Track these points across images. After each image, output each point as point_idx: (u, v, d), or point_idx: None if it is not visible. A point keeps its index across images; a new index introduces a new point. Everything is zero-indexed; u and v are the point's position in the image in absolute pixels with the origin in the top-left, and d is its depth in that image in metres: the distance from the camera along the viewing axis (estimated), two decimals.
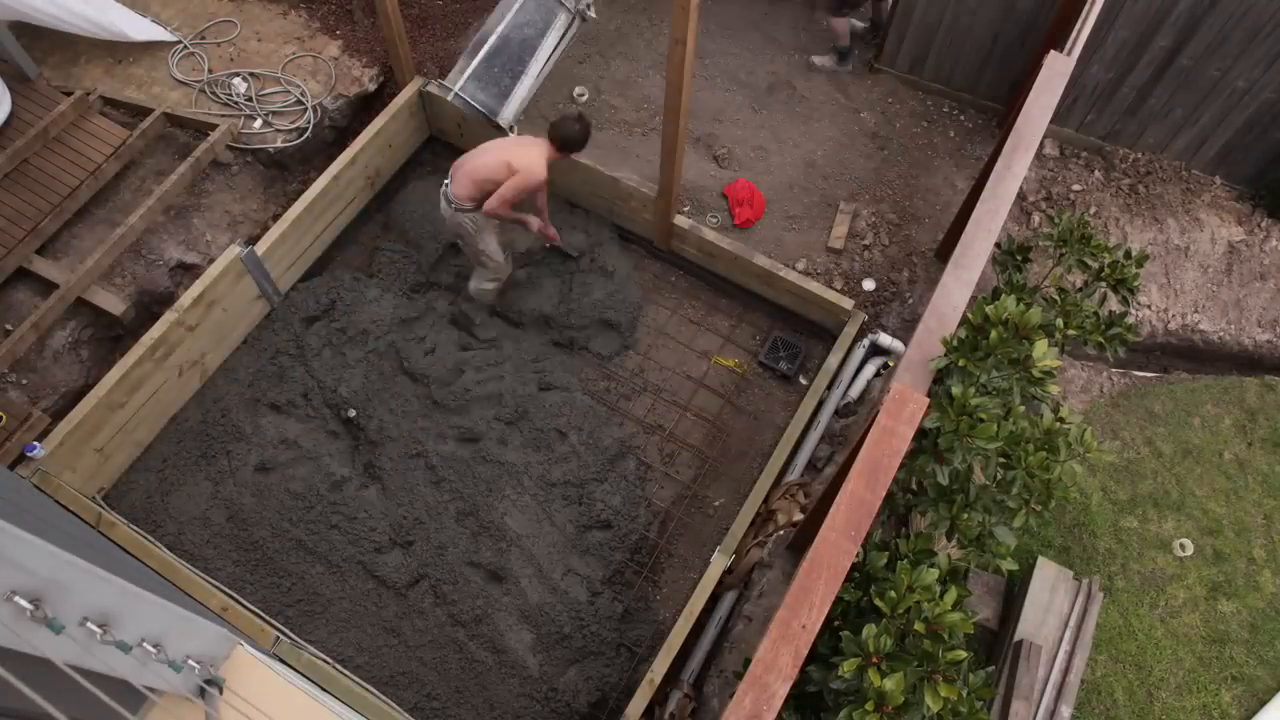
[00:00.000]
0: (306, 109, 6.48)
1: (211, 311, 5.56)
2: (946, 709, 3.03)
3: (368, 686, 4.64)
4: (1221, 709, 4.93)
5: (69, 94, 6.11)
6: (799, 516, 5.15)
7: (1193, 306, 6.23)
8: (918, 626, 3.09)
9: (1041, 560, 5.03)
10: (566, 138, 5.30)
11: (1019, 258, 4.58)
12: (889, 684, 2.90)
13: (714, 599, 5.10)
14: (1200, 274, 6.32)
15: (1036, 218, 6.42)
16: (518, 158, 5.27)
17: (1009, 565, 3.55)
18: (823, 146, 6.75)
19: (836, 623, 3.37)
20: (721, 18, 7.43)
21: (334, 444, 5.62)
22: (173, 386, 5.54)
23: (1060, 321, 4.10)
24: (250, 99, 6.45)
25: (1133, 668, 5.01)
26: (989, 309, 3.45)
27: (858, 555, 3.10)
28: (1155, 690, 4.96)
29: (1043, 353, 3.39)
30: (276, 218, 6.10)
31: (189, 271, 5.93)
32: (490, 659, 5.02)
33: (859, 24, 7.15)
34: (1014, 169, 4.02)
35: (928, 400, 3.24)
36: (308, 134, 6.42)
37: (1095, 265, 4.41)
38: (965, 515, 3.52)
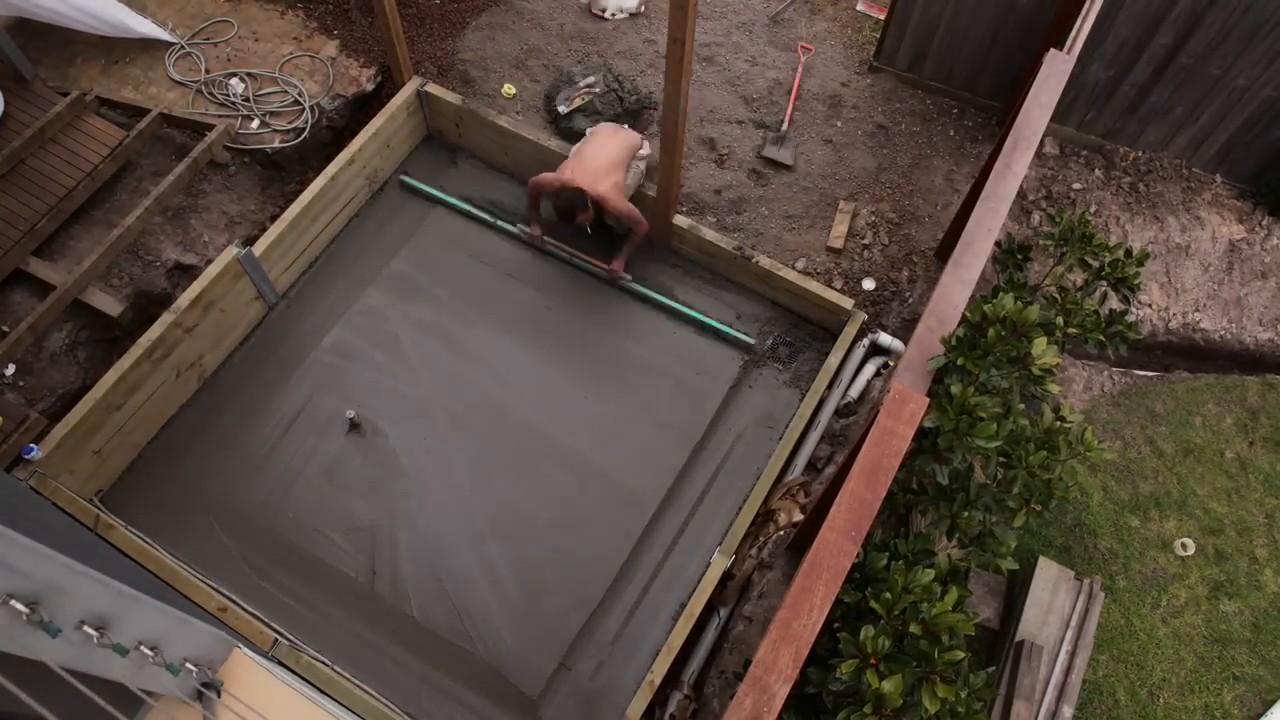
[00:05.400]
0: (304, 109, 6.47)
1: (209, 313, 5.55)
2: (944, 710, 3.02)
3: (367, 688, 4.63)
4: (1224, 709, 4.92)
5: (65, 94, 6.10)
6: (799, 517, 5.14)
7: (1194, 305, 6.22)
8: (914, 628, 3.08)
9: (1043, 560, 5.02)
10: None
11: (1019, 256, 4.58)
12: (887, 685, 2.89)
13: (711, 602, 5.09)
14: (1201, 272, 6.31)
15: (1037, 216, 6.41)
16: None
17: (1009, 564, 3.54)
18: (822, 146, 6.74)
19: (836, 625, 3.36)
20: (724, 19, 7.42)
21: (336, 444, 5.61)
22: (171, 388, 5.53)
23: (1061, 320, 4.09)
24: (248, 99, 6.43)
25: (1134, 668, 5.00)
26: (987, 307, 3.44)
27: (858, 556, 3.09)
28: (1157, 690, 4.95)
29: (1041, 350, 3.38)
30: (274, 218, 6.09)
31: (186, 272, 5.91)
32: None
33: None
34: (1014, 168, 4.01)
35: (928, 400, 3.23)
36: (305, 134, 6.41)
37: (1096, 264, 4.41)
38: (965, 514, 3.51)
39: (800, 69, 7.01)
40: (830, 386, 5.77)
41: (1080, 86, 6.26)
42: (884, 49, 6.95)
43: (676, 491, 5.56)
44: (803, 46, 7.15)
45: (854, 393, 5.79)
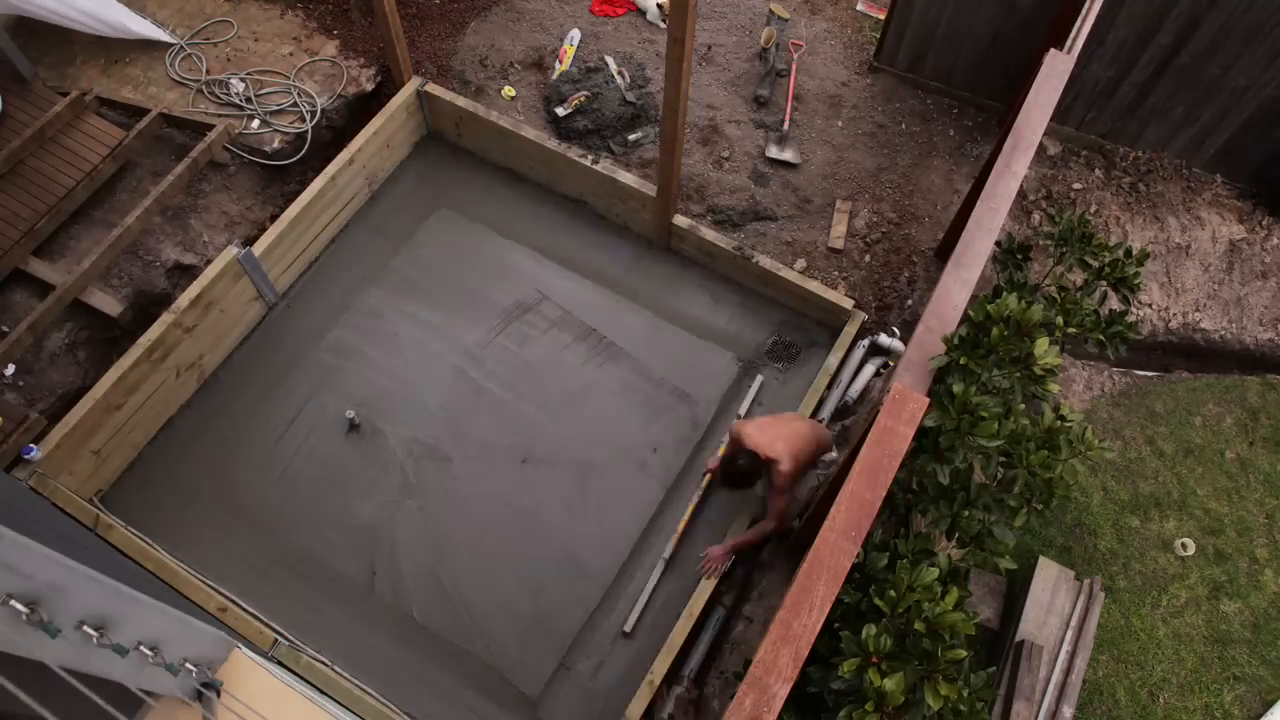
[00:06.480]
0: (303, 110, 6.46)
1: (209, 313, 5.55)
2: (947, 708, 3.01)
3: (367, 688, 4.63)
4: (1224, 709, 4.91)
5: (65, 94, 6.09)
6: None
7: (1194, 305, 6.22)
8: (918, 626, 3.08)
9: (1043, 560, 5.02)
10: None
11: (1019, 256, 4.57)
12: (889, 684, 2.89)
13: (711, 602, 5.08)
14: (1201, 272, 6.31)
15: (1037, 216, 6.41)
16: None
17: (1008, 564, 3.53)
18: (822, 146, 6.74)
19: (836, 624, 3.35)
20: (724, 19, 7.42)
21: (338, 444, 5.60)
22: (170, 388, 5.52)
23: (1061, 320, 4.09)
24: (249, 99, 6.43)
25: (1135, 668, 4.99)
26: (990, 307, 3.44)
27: (858, 556, 3.09)
28: (1157, 690, 4.94)
29: (1044, 350, 3.38)
30: (274, 218, 6.09)
31: (186, 272, 5.91)
32: None
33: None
34: (1014, 168, 4.00)
35: (928, 400, 3.23)
36: (308, 136, 6.40)
37: (1096, 264, 4.40)
38: (966, 514, 3.51)
39: (794, 67, 7.01)
40: (830, 386, 5.76)
41: (1080, 86, 6.25)
42: (884, 49, 6.95)
43: (676, 491, 5.56)
44: (793, 44, 7.15)
45: (854, 393, 5.79)
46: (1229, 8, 5.54)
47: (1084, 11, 4.64)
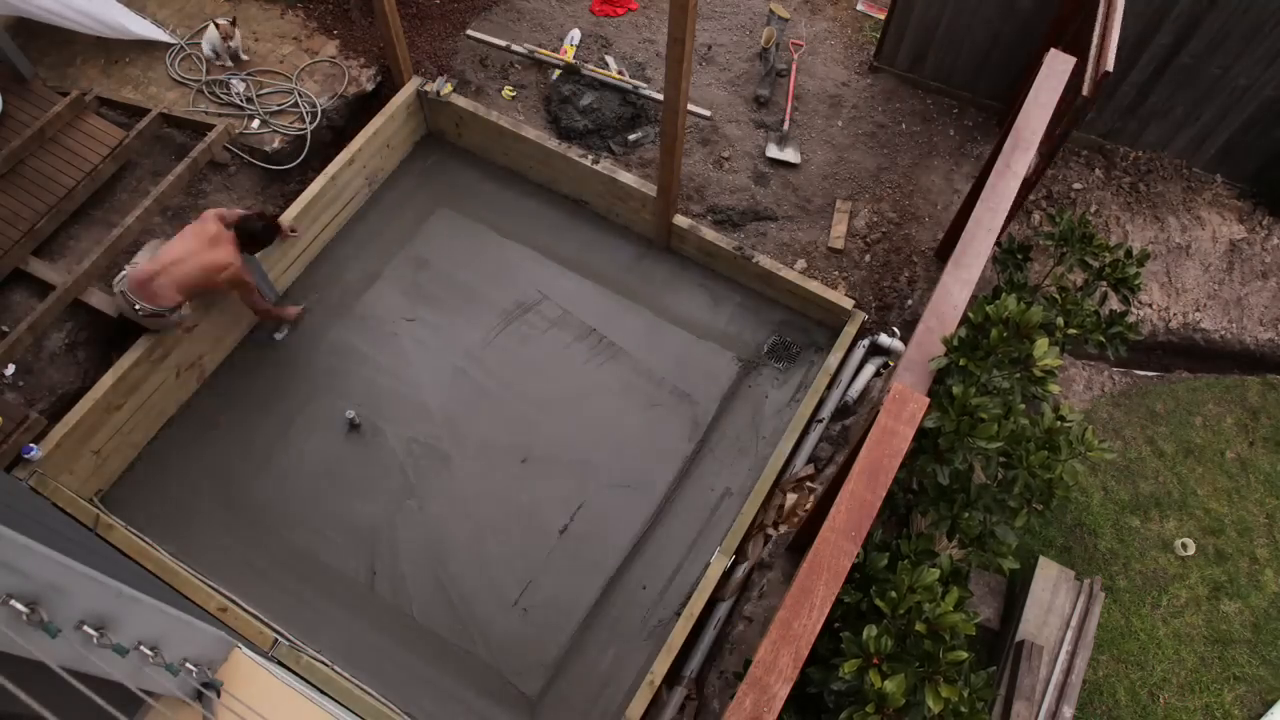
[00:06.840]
0: (303, 111, 6.45)
1: (209, 312, 5.55)
2: (948, 710, 3.01)
3: (367, 688, 4.63)
4: (1224, 709, 4.91)
5: (65, 94, 6.09)
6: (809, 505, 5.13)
7: (1194, 305, 6.22)
8: (919, 627, 3.08)
9: (1043, 560, 5.02)
10: (252, 234, 5.30)
11: (1020, 256, 4.57)
12: (890, 685, 2.89)
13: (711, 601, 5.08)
14: (1201, 272, 6.30)
15: (1037, 216, 6.41)
16: (220, 258, 5.15)
17: (1010, 564, 3.54)
18: (822, 146, 6.74)
19: (836, 624, 3.35)
20: (724, 19, 7.42)
21: (336, 443, 5.60)
22: (170, 388, 5.52)
23: (1061, 320, 4.09)
24: (249, 99, 6.43)
25: (1135, 668, 4.99)
26: (990, 308, 3.44)
27: (858, 556, 3.09)
28: (1158, 690, 4.94)
29: (1044, 352, 3.38)
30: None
31: None
32: None
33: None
34: (1014, 168, 4.01)
35: (928, 400, 3.23)
36: (308, 135, 6.39)
37: (1096, 264, 4.40)
38: (966, 515, 3.51)
39: (794, 67, 7.01)
40: (830, 386, 5.76)
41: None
42: (884, 49, 6.94)
43: (676, 492, 5.56)
44: (793, 44, 7.15)
45: (854, 393, 5.79)
46: (1229, 8, 5.54)
47: (1101, 16, 4.61)
